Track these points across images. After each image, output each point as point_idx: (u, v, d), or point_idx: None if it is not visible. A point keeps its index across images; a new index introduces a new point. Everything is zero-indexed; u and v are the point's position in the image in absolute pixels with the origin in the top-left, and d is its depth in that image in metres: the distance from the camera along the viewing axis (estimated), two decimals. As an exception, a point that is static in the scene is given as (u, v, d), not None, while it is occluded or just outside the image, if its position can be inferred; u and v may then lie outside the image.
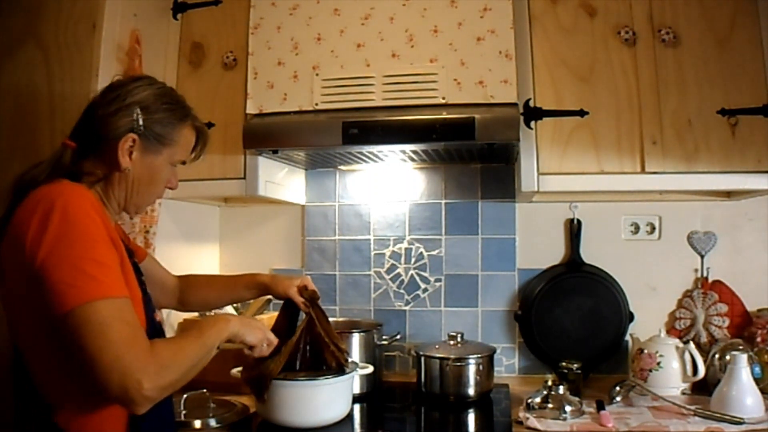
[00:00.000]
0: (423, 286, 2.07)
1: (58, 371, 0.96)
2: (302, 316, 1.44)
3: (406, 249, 2.08)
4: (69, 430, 0.96)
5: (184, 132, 1.17)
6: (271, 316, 1.51)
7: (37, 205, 0.94)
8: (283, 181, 1.96)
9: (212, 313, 1.75)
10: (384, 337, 1.86)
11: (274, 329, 1.44)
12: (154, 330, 1.08)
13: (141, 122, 1.08)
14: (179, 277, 1.46)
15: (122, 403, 0.90)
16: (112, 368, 0.87)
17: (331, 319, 2.01)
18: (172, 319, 1.86)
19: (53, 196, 0.95)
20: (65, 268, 0.89)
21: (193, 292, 1.45)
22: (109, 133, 1.06)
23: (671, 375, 1.64)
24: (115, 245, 0.98)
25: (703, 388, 1.63)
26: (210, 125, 1.76)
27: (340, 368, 1.44)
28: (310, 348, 1.43)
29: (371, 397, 1.77)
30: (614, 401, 1.57)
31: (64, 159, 1.06)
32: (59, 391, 0.97)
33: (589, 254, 1.98)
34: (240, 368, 1.47)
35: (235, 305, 1.87)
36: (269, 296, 1.55)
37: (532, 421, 1.44)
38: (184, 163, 1.21)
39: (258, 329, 1.22)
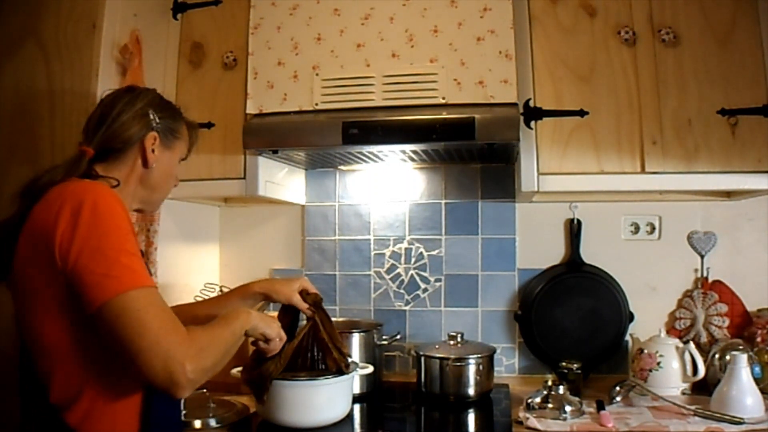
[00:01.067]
0: (423, 286, 2.07)
1: (75, 369, 0.96)
2: (303, 318, 1.43)
3: (406, 249, 2.08)
4: (81, 430, 0.96)
5: (185, 127, 1.25)
6: (271, 316, 1.50)
7: (63, 202, 0.95)
8: (283, 181, 1.96)
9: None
10: (384, 337, 1.86)
11: None
12: None
13: (158, 120, 1.16)
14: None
15: (166, 386, 0.92)
16: (156, 353, 0.90)
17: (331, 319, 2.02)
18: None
19: (81, 192, 0.97)
20: (101, 259, 0.92)
21: (183, 313, 1.41)
22: (131, 137, 1.12)
23: (671, 375, 1.64)
24: (137, 237, 1.01)
25: (703, 388, 1.63)
26: (210, 125, 1.76)
27: (339, 372, 1.44)
28: (312, 352, 1.43)
29: (371, 397, 1.77)
30: (614, 401, 1.57)
31: (80, 164, 1.09)
32: (73, 391, 0.96)
33: (589, 254, 1.98)
34: (240, 368, 1.47)
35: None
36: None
37: (532, 421, 1.44)
38: (185, 158, 1.26)
39: (275, 324, 1.25)
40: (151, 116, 1.15)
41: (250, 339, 1.23)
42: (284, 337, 1.27)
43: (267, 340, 1.23)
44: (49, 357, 0.97)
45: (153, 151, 1.15)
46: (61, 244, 0.92)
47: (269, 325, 1.22)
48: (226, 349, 1.03)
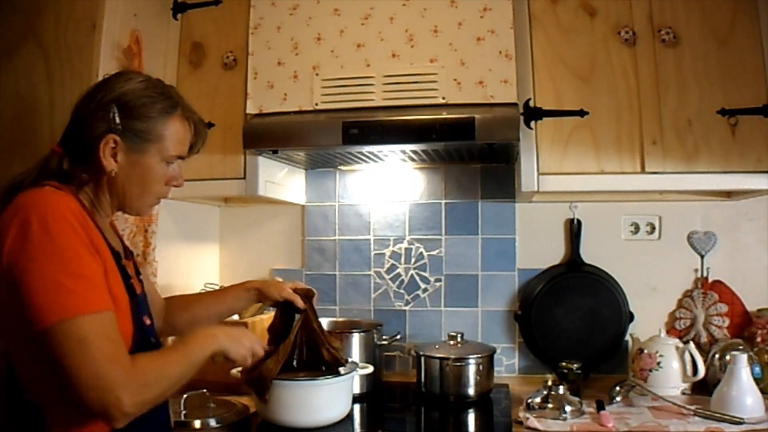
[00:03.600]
0: (423, 286, 2.07)
1: (46, 380, 0.94)
2: (297, 317, 1.44)
3: (406, 249, 2.08)
4: None
5: (171, 125, 1.09)
6: (270, 316, 1.50)
7: (16, 212, 0.92)
8: (283, 181, 1.96)
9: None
10: (384, 337, 1.86)
11: (271, 330, 1.44)
12: (143, 335, 1.05)
13: (118, 120, 1.02)
14: (166, 298, 1.41)
15: (102, 418, 0.90)
16: (92, 385, 0.87)
17: (331, 319, 2.03)
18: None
19: (31, 204, 0.93)
20: (45, 282, 0.88)
21: (181, 311, 1.39)
22: (90, 134, 1.03)
23: (671, 375, 1.64)
24: (99, 252, 0.96)
25: (703, 388, 1.63)
26: (210, 125, 1.76)
27: (336, 363, 1.44)
28: (307, 346, 1.43)
29: (371, 397, 1.77)
30: (614, 401, 1.57)
31: (50, 165, 1.04)
32: (49, 400, 0.95)
33: (589, 254, 1.98)
34: (240, 368, 1.47)
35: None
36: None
37: (532, 421, 1.44)
38: (182, 158, 1.14)
39: (242, 345, 1.17)
40: (112, 115, 1.02)
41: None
42: (258, 352, 1.23)
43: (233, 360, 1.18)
44: (23, 366, 0.96)
45: (115, 155, 1.03)
46: (9, 259, 0.89)
47: (235, 347, 1.15)
48: (175, 380, 0.98)
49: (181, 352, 1.03)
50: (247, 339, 1.20)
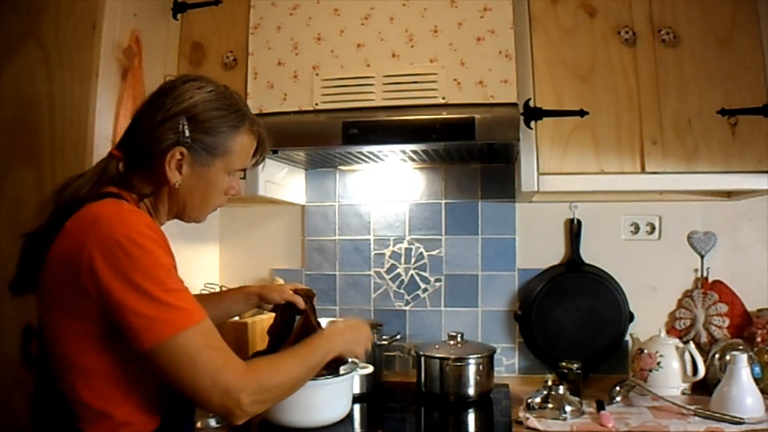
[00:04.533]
0: (423, 286, 2.07)
1: (104, 392, 0.93)
2: (297, 318, 1.44)
3: (406, 249, 2.08)
4: None
5: (239, 139, 1.08)
6: (270, 316, 1.50)
7: (93, 225, 0.90)
8: (283, 181, 1.96)
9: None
10: (384, 337, 1.86)
11: (271, 332, 1.44)
12: None
13: (187, 134, 1.00)
14: None
15: (225, 416, 0.93)
16: (212, 391, 0.90)
17: (331, 319, 2.02)
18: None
19: (113, 222, 0.90)
20: (147, 301, 0.87)
21: None
22: (156, 146, 1.00)
23: (671, 375, 1.64)
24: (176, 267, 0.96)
25: (703, 388, 1.63)
26: (210, 125, 1.76)
27: (336, 363, 1.44)
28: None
29: (371, 397, 1.77)
30: (614, 401, 1.57)
31: (109, 170, 1.02)
32: (96, 411, 0.93)
33: (589, 254, 1.98)
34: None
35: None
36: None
37: (532, 421, 1.44)
38: (244, 170, 1.15)
39: (364, 336, 1.24)
40: (181, 128, 0.99)
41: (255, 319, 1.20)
42: (369, 349, 1.27)
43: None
44: (78, 376, 0.93)
45: (180, 168, 1.02)
46: (98, 278, 0.87)
47: (358, 344, 1.22)
48: (294, 384, 1.03)
49: (299, 357, 1.07)
50: (366, 332, 1.26)
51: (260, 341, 1.80)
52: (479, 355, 1.72)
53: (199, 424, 1.45)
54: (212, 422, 1.47)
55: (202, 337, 0.91)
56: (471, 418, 1.67)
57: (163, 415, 0.99)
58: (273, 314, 1.45)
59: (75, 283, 0.89)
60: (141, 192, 1.04)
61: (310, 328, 1.42)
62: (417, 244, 2.08)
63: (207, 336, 0.92)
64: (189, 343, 0.89)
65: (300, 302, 1.41)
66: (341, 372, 1.45)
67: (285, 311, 1.43)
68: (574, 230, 1.99)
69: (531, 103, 1.64)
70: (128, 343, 0.89)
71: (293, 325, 1.42)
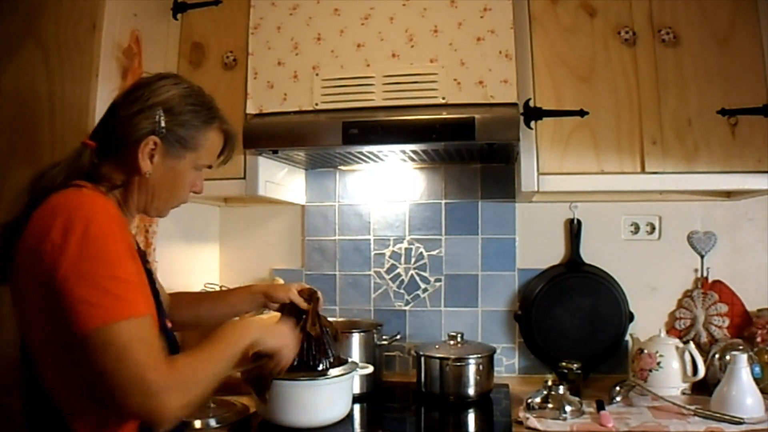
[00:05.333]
0: (423, 286, 2.07)
1: (72, 382, 0.93)
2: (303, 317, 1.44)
3: (406, 249, 2.08)
4: None
5: (210, 135, 1.12)
6: (271, 316, 1.50)
7: (55, 214, 0.91)
8: (283, 181, 1.96)
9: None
10: (384, 337, 1.86)
11: None
12: (167, 338, 1.05)
13: (163, 124, 1.04)
14: (171, 294, 1.41)
15: (146, 421, 0.90)
16: (133, 390, 0.86)
17: (330, 319, 2.01)
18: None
19: (73, 206, 0.92)
20: (87, 286, 0.87)
21: (184, 308, 1.38)
22: (130, 135, 1.03)
23: (671, 375, 1.64)
24: (133, 256, 0.96)
25: (703, 388, 1.63)
26: (210, 125, 1.76)
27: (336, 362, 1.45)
28: (308, 346, 1.43)
29: (371, 397, 1.77)
30: (614, 401, 1.57)
31: (83, 159, 1.03)
32: (74, 401, 0.94)
33: (589, 254, 1.98)
34: (240, 368, 1.47)
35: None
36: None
37: (532, 421, 1.44)
38: (210, 167, 1.16)
39: (280, 335, 1.18)
40: (158, 118, 1.03)
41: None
42: (295, 348, 1.23)
43: (272, 356, 1.17)
44: (48, 368, 0.95)
45: (152, 157, 1.04)
46: (51, 262, 0.88)
47: (273, 336, 1.15)
48: (215, 376, 0.98)
49: (216, 348, 1.02)
50: (284, 333, 1.19)
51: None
52: (479, 355, 1.72)
53: (198, 424, 1.45)
54: (212, 422, 1.47)
55: (139, 330, 0.88)
56: (471, 418, 1.67)
57: None
58: (276, 314, 1.45)
59: (37, 266, 0.89)
60: (112, 182, 1.05)
61: (312, 328, 1.42)
62: (417, 244, 2.08)
63: (144, 330, 0.89)
64: (120, 335, 0.86)
65: (302, 303, 1.41)
66: (337, 373, 1.44)
67: (291, 311, 1.43)
68: (574, 230, 1.99)
69: (531, 103, 1.64)
70: (67, 329, 0.87)
71: (299, 322, 1.42)
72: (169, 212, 1.19)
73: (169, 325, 1.10)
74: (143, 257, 1.07)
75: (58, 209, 0.92)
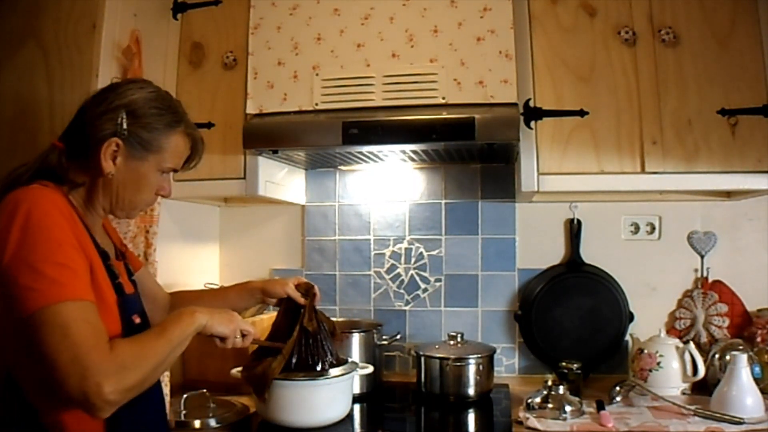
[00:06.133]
0: (423, 286, 2.07)
1: (33, 373, 0.95)
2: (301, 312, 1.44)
3: (406, 249, 2.08)
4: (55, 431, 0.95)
5: (173, 139, 1.13)
6: (270, 316, 1.51)
7: (5, 208, 0.94)
8: (283, 181, 1.96)
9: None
10: (384, 337, 1.86)
11: (275, 329, 1.45)
12: (131, 333, 1.03)
13: (125, 126, 1.05)
14: (171, 294, 1.42)
15: (83, 407, 0.87)
16: (71, 371, 0.85)
17: (331, 319, 2.02)
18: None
19: (19, 200, 0.95)
20: (26, 271, 0.88)
21: (182, 306, 1.37)
22: (94, 136, 1.05)
23: (671, 375, 1.64)
24: (84, 249, 0.97)
25: (703, 388, 1.63)
26: (210, 125, 1.76)
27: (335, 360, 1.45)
28: (305, 345, 1.43)
29: (371, 397, 1.77)
30: (614, 401, 1.57)
31: (50, 159, 1.06)
32: (40, 392, 0.95)
33: (589, 254, 1.98)
34: (240, 368, 1.47)
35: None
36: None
37: (532, 421, 1.44)
38: (176, 171, 1.17)
39: (229, 320, 1.15)
40: (120, 120, 1.05)
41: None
42: (249, 330, 1.20)
43: (222, 339, 1.15)
44: (11, 359, 0.96)
45: (115, 158, 1.06)
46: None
47: (222, 322, 1.12)
48: (157, 362, 0.95)
49: (160, 333, 1.00)
50: (232, 318, 1.17)
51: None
52: (479, 355, 1.72)
53: (198, 424, 1.45)
54: (212, 422, 1.47)
55: (78, 311, 0.89)
56: (471, 418, 1.67)
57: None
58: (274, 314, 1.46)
59: None
60: (74, 182, 1.07)
61: (309, 323, 1.42)
62: (417, 244, 2.08)
63: (84, 312, 0.89)
64: (62, 315, 0.87)
65: (299, 298, 1.41)
66: (337, 373, 1.45)
67: (288, 305, 1.43)
68: (574, 230, 1.99)
69: (531, 103, 1.64)
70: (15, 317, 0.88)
71: (296, 321, 1.42)
72: (136, 215, 1.21)
73: (137, 321, 1.09)
74: (105, 255, 1.06)
75: (8, 204, 0.95)
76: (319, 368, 1.42)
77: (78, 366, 0.85)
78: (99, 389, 0.85)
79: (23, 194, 0.97)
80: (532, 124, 1.64)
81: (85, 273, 0.95)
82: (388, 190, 2.10)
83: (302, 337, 1.42)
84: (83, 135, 1.06)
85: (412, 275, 2.08)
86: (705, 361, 1.64)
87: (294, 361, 1.41)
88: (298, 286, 1.43)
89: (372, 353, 1.81)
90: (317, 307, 1.46)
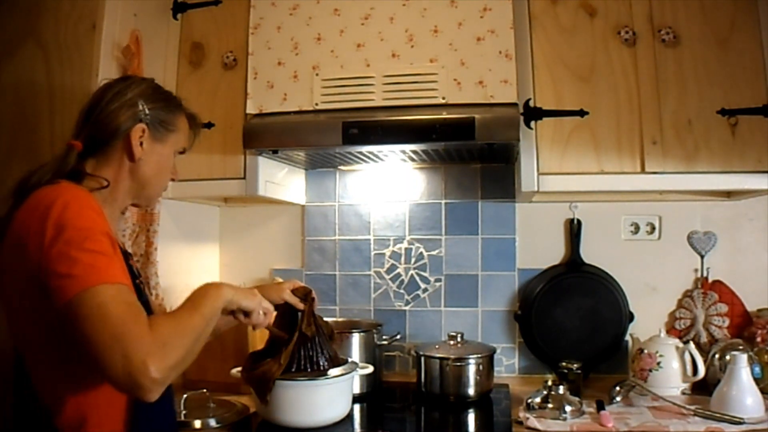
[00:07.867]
0: (423, 286, 2.07)
1: (56, 374, 0.96)
2: (299, 316, 1.43)
3: (406, 249, 2.08)
4: None
5: (182, 119, 1.20)
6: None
7: (37, 206, 0.94)
8: (283, 181, 1.96)
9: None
10: (384, 337, 1.86)
11: (272, 335, 1.44)
12: None
13: (147, 111, 1.11)
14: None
15: (131, 390, 0.85)
16: (114, 350, 0.83)
17: (331, 319, 2.03)
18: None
19: (53, 196, 0.95)
20: (63, 261, 0.88)
21: None
22: (118, 128, 1.08)
23: (671, 375, 1.64)
24: (111, 238, 0.97)
25: (703, 388, 1.63)
26: (210, 125, 1.76)
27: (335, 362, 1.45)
28: (304, 348, 1.43)
29: (371, 397, 1.77)
30: (614, 401, 1.57)
31: (68, 160, 1.06)
32: (58, 395, 0.96)
33: (589, 254, 1.98)
34: (240, 368, 1.47)
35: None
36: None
37: (532, 421, 1.44)
38: (183, 151, 1.22)
39: (253, 294, 1.16)
40: (140, 107, 1.10)
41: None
42: (269, 308, 1.20)
43: (247, 314, 1.15)
44: (34, 360, 0.97)
45: (141, 143, 1.10)
46: (35, 252, 0.90)
47: (246, 296, 1.13)
48: (196, 336, 0.94)
49: (192, 308, 0.99)
50: (255, 293, 1.19)
51: (260, 342, 1.79)
52: (479, 355, 1.72)
53: (198, 424, 1.45)
54: (212, 422, 1.46)
55: (115, 292, 0.88)
56: (471, 418, 1.67)
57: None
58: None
59: (21, 259, 0.92)
60: (95, 179, 1.08)
61: (312, 327, 1.42)
62: (417, 244, 2.08)
63: (119, 294, 0.89)
64: (98, 296, 0.86)
65: (297, 304, 1.41)
66: (337, 373, 1.45)
67: (286, 311, 1.43)
68: (574, 230, 1.98)
69: (531, 103, 1.64)
70: (50, 310, 0.88)
71: (294, 324, 1.42)
72: (155, 202, 1.29)
73: None
74: (126, 255, 1.08)
75: (36, 203, 0.95)
76: (317, 369, 1.42)
77: (120, 345, 0.84)
78: (144, 367, 0.83)
79: (54, 190, 0.97)
80: (532, 124, 1.64)
81: (120, 260, 0.95)
82: (388, 190, 2.10)
83: (301, 342, 1.41)
84: (102, 132, 1.08)
85: (412, 275, 2.08)
86: (705, 361, 1.64)
87: (293, 368, 1.40)
88: (295, 291, 1.42)
89: (372, 353, 1.81)
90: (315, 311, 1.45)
